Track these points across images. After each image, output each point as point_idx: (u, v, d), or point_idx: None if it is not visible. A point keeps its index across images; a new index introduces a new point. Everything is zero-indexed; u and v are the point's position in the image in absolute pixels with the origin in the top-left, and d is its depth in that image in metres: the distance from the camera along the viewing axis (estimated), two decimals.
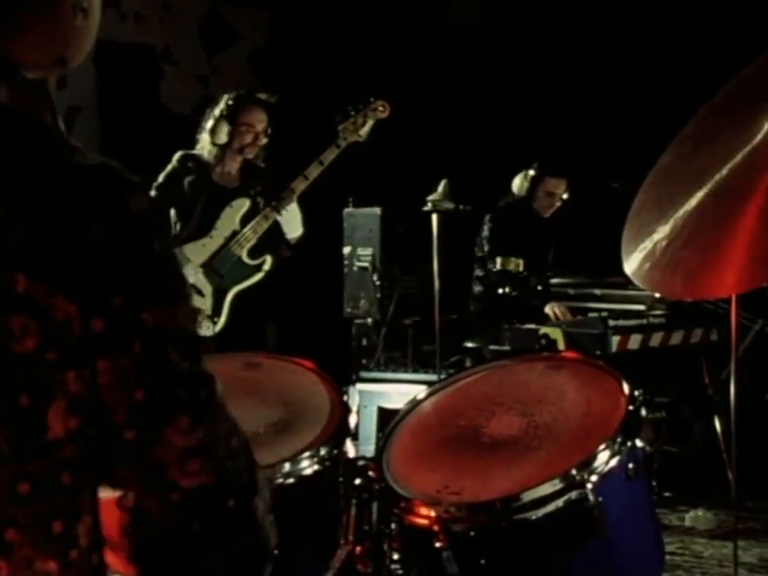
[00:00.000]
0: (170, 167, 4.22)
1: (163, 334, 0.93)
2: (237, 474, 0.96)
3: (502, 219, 5.06)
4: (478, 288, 5.13)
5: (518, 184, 5.06)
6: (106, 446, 0.93)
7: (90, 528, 0.93)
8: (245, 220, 4.20)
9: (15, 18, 0.97)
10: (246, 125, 4.19)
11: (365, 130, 4.26)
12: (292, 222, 4.29)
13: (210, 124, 4.21)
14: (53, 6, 0.99)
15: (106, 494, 0.95)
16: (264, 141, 4.25)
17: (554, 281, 5.31)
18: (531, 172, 5.01)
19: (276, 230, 4.26)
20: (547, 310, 4.88)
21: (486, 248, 5.05)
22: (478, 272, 5.12)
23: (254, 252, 4.22)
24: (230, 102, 4.21)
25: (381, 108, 4.29)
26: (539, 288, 5.05)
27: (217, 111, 4.22)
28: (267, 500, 1.00)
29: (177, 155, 4.26)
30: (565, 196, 5.07)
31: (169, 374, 0.94)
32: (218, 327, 4.11)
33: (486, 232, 5.07)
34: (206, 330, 4.05)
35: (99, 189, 0.92)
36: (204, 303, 4.09)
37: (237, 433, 0.98)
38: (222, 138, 4.18)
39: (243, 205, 4.22)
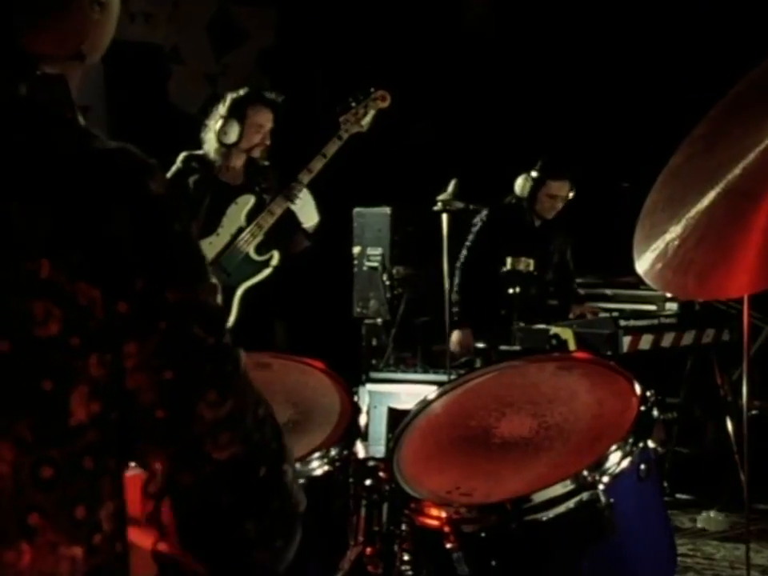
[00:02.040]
0: (174, 168, 4.24)
1: (186, 311, 0.95)
2: (265, 442, 0.98)
3: (494, 221, 5.04)
4: (455, 296, 4.95)
5: (520, 185, 5.03)
6: (131, 429, 0.94)
7: (112, 514, 0.94)
8: (250, 216, 4.22)
9: (31, 8, 0.98)
10: (257, 125, 4.20)
11: (366, 121, 4.27)
12: (307, 210, 4.31)
13: (218, 124, 4.21)
14: (74, 1, 1.00)
15: (131, 472, 0.97)
16: (268, 142, 4.27)
17: None
18: (533, 174, 4.99)
19: (289, 224, 4.27)
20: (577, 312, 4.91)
21: (466, 245, 5.01)
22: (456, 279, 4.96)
23: (262, 248, 4.23)
24: (238, 101, 4.22)
25: (381, 98, 4.29)
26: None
27: (223, 110, 4.22)
28: (294, 466, 1.02)
29: (181, 156, 4.27)
30: (570, 195, 5.04)
31: (195, 350, 0.95)
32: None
33: (473, 231, 5.03)
34: None
35: (119, 172, 0.94)
36: None
37: (263, 402, 1.00)
38: (232, 137, 4.18)
39: (248, 201, 4.23)
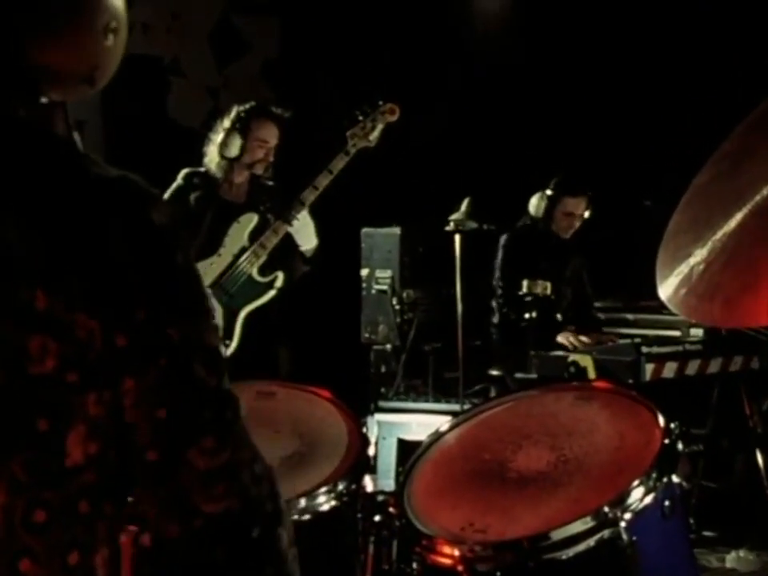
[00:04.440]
0: (175, 185, 4.27)
1: (189, 350, 0.95)
2: (261, 501, 0.97)
3: (515, 244, 5.06)
4: (495, 318, 5.11)
5: (534, 205, 5.05)
6: (126, 471, 0.94)
7: (107, 561, 0.94)
8: (253, 236, 4.23)
9: (51, 36, 1.01)
10: (260, 140, 4.23)
11: (374, 135, 4.28)
12: (305, 232, 4.30)
13: (220, 136, 4.25)
14: (88, 25, 1.03)
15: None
16: (272, 158, 4.29)
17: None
18: (548, 192, 5.00)
19: (289, 246, 4.28)
20: (560, 339, 4.87)
21: (497, 275, 5.05)
22: (493, 301, 5.10)
23: (266, 269, 4.24)
24: (243, 114, 4.25)
25: (390, 111, 4.31)
26: (558, 317, 5.03)
27: (228, 123, 4.26)
28: (291, 532, 1.00)
29: (182, 173, 4.30)
30: (586, 214, 5.05)
31: (194, 391, 0.95)
32: (229, 351, 4.12)
33: (498, 258, 5.06)
34: None
35: (120, 201, 0.95)
36: None
37: (260, 459, 1.00)
38: (233, 151, 4.21)
39: (251, 220, 4.25)
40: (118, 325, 0.92)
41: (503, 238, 5.07)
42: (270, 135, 4.26)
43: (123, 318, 0.93)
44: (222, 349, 1.01)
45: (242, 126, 4.21)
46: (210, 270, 4.17)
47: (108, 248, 0.93)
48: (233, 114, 4.27)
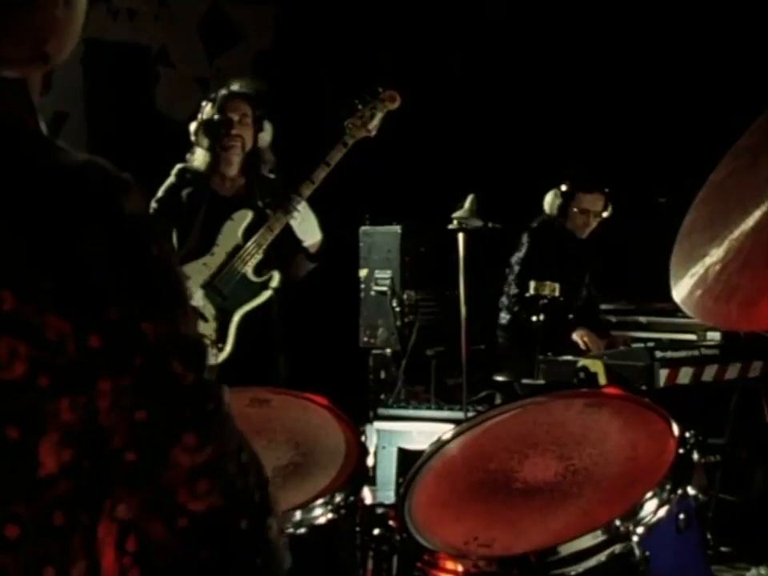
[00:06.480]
0: (168, 182, 4.26)
1: (165, 345, 0.94)
2: (248, 492, 0.97)
3: (539, 242, 5.06)
4: (506, 317, 5.12)
5: (549, 202, 5.05)
6: (103, 477, 0.93)
7: (84, 574, 0.93)
8: (248, 233, 4.22)
9: None
10: (222, 115, 4.23)
11: (374, 124, 4.26)
12: (306, 226, 4.29)
13: (193, 128, 4.29)
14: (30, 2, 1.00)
15: None
16: (246, 132, 4.24)
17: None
18: (563, 188, 5.01)
19: (287, 244, 4.27)
20: (575, 337, 4.88)
21: (516, 271, 5.05)
22: (504, 299, 5.12)
23: (261, 268, 4.24)
24: (204, 103, 4.30)
25: (390, 98, 4.30)
26: (570, 317, 5.04)
27: (199, 115, 4.31)
28: (280, 520, 1.00)
29: (175, 169, 4.31)
30: (605, 214, 5.05)
31: (173, 388, 0.94)
32: (224, 355, 4.12)
33: (521, 253, 5.06)
34: (210, 358, 4.02)
35: (89, 189, 0.93)
36: (207, 328, 4.09)
37: (246, 447, 0.99)
38: (204, 141, 4.24)
39: (245, 216, 4.24)
40: (91, 325, 0.91)
41: (526, 235, 5.07)
42: (235, 109, 4.25)
43: (96, 317, 0.91)
44: (201, 338, 0.99)
45: (205, 114, 4.25)
46: (203, 269, 4.17)
47: (77, 242, 0.91)
48: (206, 107, 4.31)
